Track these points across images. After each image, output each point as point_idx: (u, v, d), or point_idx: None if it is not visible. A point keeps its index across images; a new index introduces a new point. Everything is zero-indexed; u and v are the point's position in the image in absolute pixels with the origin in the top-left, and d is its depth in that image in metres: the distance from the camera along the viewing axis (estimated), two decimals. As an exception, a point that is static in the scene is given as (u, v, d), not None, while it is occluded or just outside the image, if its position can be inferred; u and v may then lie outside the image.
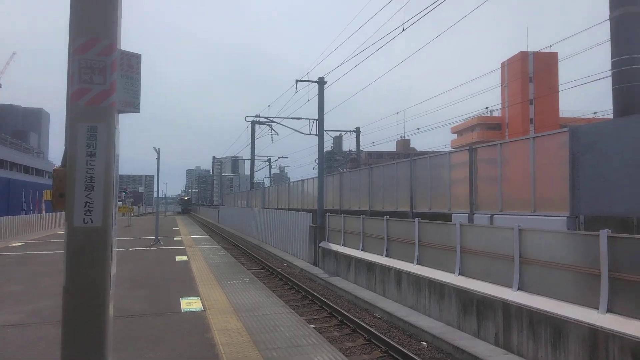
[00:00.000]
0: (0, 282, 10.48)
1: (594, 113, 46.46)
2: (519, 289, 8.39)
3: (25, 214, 32.38)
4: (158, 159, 21.89)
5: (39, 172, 68.27)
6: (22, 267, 12.80)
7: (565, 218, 9.54)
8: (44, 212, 32.36)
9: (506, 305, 8.38)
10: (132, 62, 3.20)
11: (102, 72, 2.82)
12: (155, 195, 25.62)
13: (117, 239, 3.15)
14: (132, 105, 3.22)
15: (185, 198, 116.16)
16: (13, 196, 34.54)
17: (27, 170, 64.69)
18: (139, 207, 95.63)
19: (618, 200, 8.75)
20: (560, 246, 7.78)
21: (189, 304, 8.33)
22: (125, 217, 38.38)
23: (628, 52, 16.74)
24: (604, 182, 9.04)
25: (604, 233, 6.85)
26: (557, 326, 7.25)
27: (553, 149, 10.38)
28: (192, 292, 9.48)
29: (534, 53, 58.56)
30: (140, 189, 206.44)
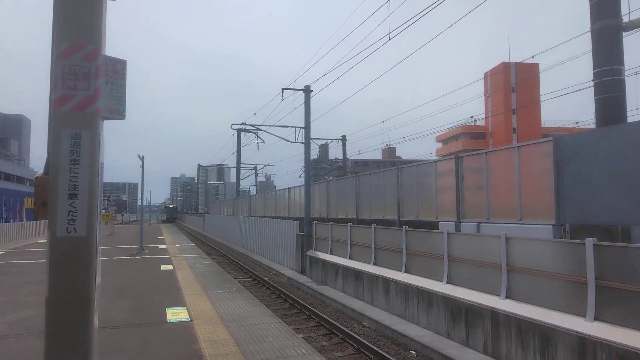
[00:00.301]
0: (-22, 293, 10.19)
1: (576, 123, 47.24)
2: (507, 297, 8.41)
3: (5, 222, 31.72)
4: (142, 166, 21.62)
5: (19, 180, 67.00)
6: (2, 277, 12.48)
7: (551, 226, 9.63)
8: (24, 220, 31.71)
9: (494, 314, 8.39)
10: (118, 68, 3.13)
11: (86, 78, 2.75)
12: (139, 203, 25.30)
13: (101, 248, 3.06)
14: (118, 112, 3.14)
15: (171, 206, 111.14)
16: (-7, 204, 33.85)
17: (7, 177, 63.45)
18: (122, 215, 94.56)
19: (602, 209, 8.86)
20: (547, 254, 7.82)
21: (175, 314, 8.18)
22: (108, 226, 37.82)
23: (609, 64, 17.04)
24: (588, 190, 9.15)
25: (589, 241, 6.90)
26: (546, 334, 7.27)
27: (537, 158, 10.49)
28: (178, 301, 9.32)
29: (516, 64, 59.56)
30: (124, 197, 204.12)
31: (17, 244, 23.64)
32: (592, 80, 16.51)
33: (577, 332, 6.73)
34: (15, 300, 9.33)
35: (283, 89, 22.35)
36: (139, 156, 21.51)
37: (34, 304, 8.80)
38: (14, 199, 37.11)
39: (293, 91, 22.43)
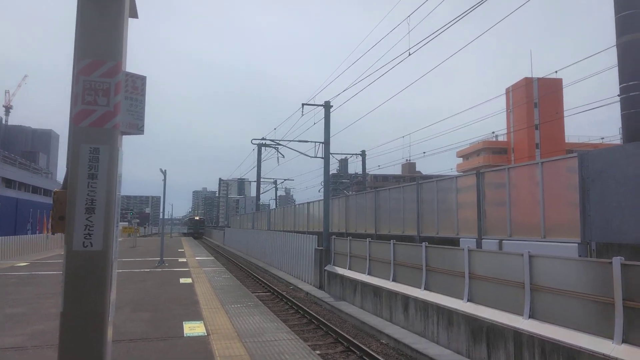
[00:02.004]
0: (2, 302, 10.38)
1: (602, 139, 46.29)
2: (530, 317, 8.17)
3: (31, 233, 32.46)
4: (164, 180, 21.93)
5: (47, 193, 68.66)
6: (26, 288, 12.70)
7: (576, 244, 9.36)
8: (50, 232, 32.35)
9: (517, 334, 8.15)
10: (137, 83, 3.17)
11: (106, 94, 2.79)
12: (161, 216, 25.58)
13: (117, 262, 3.07)
14: (136, 127, 3.17)
15: (197, 218, 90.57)
16: (20, 216, 34.66)
17: (35, 190, 65.14)
18: (144, 227, 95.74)
19: (630, 227, 8.58)
20: (572, 273, 7.58)
21: (192, 328, 8.17)
22: (130, 238, 38.33)
23: (636, 78, 16.69)
24: (615, 208, 8.88)
25: (617, 260, 6.68)
26: (571, 356, 7.01)
27: (562, 174, 10.27)
28: (196, 315, 9.32)
29: (539, 79, 58.84)
30: (147, 210, 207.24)
31: (41, 255, 24.11)
32: (618, 95, 16.12)
33: (604, 354, 6.47)
34: (37, 312, 9.47)
35: (303, 104, 22.47)
36: (161, 170, 21.83)
37: (55, 316, 8.90)
38: (41, 211, 37.94)
39: (313, 106, 22.56)
